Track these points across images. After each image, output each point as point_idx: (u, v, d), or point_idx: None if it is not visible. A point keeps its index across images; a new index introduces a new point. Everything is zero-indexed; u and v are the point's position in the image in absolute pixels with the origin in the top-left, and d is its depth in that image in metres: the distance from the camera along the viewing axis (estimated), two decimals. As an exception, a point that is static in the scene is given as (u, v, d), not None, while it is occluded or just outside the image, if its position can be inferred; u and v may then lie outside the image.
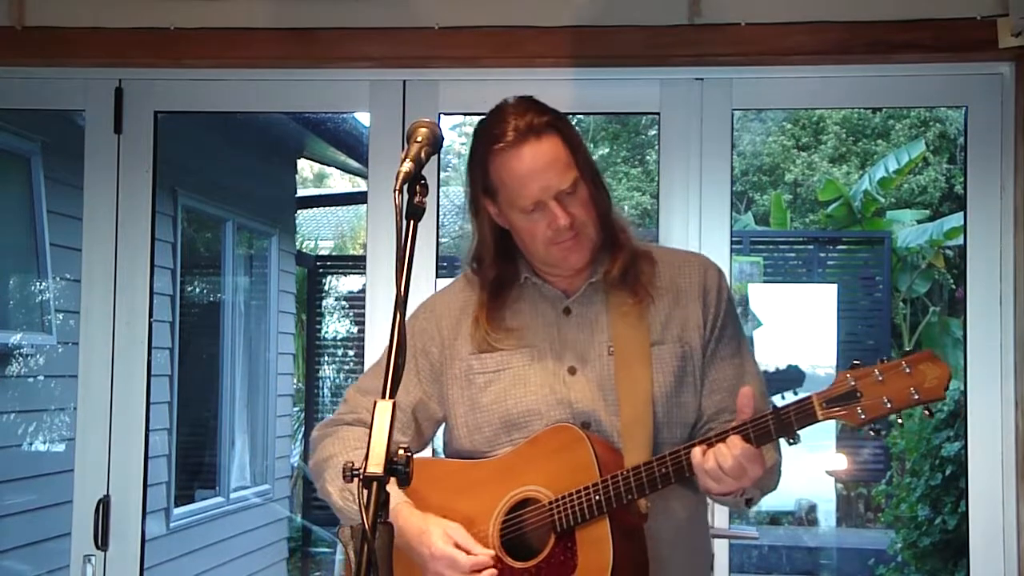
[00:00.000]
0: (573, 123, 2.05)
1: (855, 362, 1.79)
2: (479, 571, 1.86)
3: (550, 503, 1.90)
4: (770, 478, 1.97)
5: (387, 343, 2.13)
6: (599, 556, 1.86)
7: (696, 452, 1.83)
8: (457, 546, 1.88)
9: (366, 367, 2.48)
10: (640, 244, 2.07)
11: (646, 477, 1.85)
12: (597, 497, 1.86)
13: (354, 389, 2.16)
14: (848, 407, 1.77)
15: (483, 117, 2.01)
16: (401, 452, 1.44)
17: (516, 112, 1.94)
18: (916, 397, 1.74)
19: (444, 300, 2.12)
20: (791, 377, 8.47)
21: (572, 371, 1.99)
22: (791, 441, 1.84)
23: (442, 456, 2.15)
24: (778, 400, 1.88)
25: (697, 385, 2.01)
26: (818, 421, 1.80)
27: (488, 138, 1.95)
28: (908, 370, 1.74)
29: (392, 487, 1.96)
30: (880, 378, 1.76)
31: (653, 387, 1.95)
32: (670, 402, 1.97)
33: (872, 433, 1.80)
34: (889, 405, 1.75)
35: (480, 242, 2.05)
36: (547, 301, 2.04)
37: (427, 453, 2.23)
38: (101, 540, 3.30)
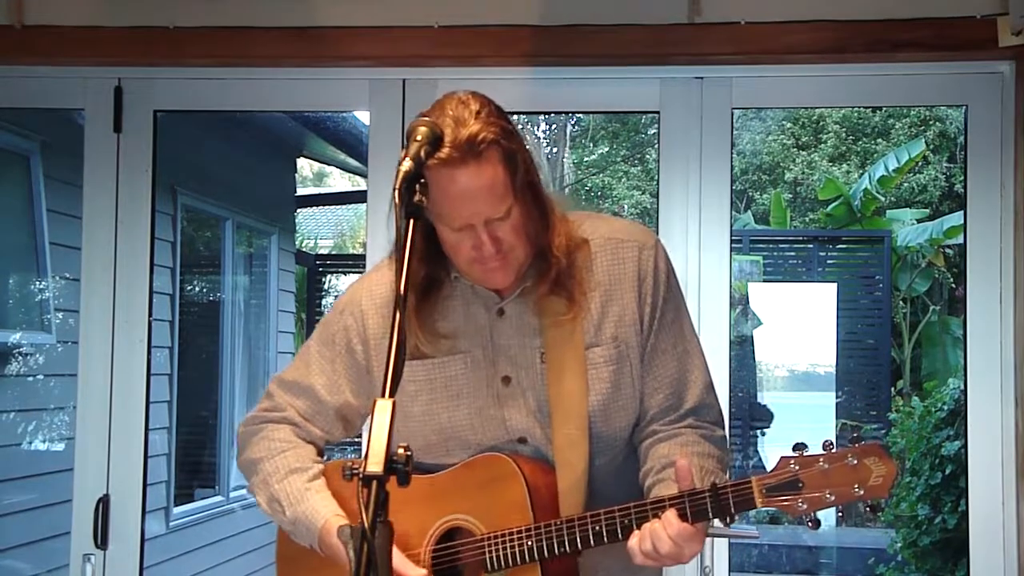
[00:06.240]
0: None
1: (798, 443, 1.72)
2: None
3: (483, 539, 1.86)
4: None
5: (318, 333, 2.08)
6: None
7: (633, 540, 1.76)
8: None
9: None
10: (577, 233, 1.94)
11: (579, 534, 1.80)
12: (530, 543, 1.82)
13: (276, 383, 2.08)
14: (789, 498, 1.70)
15: (423, 112, 1.82)
16: (401, 451, 1.44)
17: (459, 119, 1.77)
18: (859, 493, 1.67)
19: (371, 294, 2.02)
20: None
21: (506, 381, 1.92)
22: (728, 523, 1.76)
23: None
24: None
25: (636, 384, 1.93)
26: (756, 507, 1.73)
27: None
28: (854, 462, 1.68)
29: (328, 502, 1.94)
30: (825, 467, 1.69)
31: (589, 396, 1.89)
32: (608, 410, 1.91)
33: (810, 524, 1.71)
34: (832, 498, 1.68)
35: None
36: (480, 301, 1.95)
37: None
38: (101, 539, 3.30)
